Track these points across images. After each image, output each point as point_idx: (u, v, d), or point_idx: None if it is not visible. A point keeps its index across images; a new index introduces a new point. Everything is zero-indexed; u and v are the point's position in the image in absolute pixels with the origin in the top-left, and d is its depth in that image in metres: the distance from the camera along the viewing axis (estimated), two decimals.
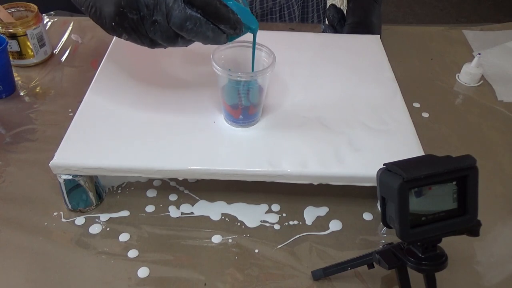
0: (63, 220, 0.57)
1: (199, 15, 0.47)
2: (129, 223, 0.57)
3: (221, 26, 0.49)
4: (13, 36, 0.76)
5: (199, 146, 0.57)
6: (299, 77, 0.69)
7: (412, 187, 0.40)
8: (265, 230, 0.57)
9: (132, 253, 0.54)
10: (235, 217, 0.59)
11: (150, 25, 0.48)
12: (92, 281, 0.51)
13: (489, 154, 0.69)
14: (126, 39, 0.51)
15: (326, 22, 0.88)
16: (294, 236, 0.57)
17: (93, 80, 0.66)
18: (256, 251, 0.55)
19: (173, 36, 0.49)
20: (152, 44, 0.51)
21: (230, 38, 0.53)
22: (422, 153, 0.58)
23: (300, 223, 0.58)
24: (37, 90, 0.76)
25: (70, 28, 0.90)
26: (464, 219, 0.42)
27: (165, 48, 0.52)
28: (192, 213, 0.59)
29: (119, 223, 0.57)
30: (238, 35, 0.53)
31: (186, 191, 0.61)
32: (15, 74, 0.78)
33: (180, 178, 0.61)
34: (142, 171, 0.55)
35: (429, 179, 0.40)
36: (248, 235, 0.57)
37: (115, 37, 0.76)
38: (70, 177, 0.55)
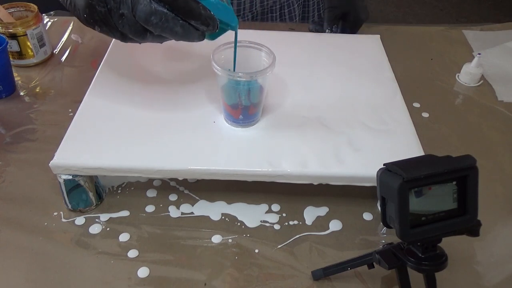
0: (63, 220, 0.57)
1: (165, 10, 0.47)
2: (129, 223, 0.57)
3: (192, 22, 0.48)
4: (13, 36, 0.76)
5: (199, 146, 0.57)
6: (299, 77, 0.69)
7: (412, 187, 0.40)
8: (265, 230, 0.57)
9: (132, 253, 0.54)
10: (235, 217, 0.59)
11: (118, 18, 0.48)
12: (92, 281, 0.51)
13: (489, 154, 0.69)
14: (99, 31, 0.51)
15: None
16: (294, 236, 0.57)
17: (93, 80, 0.66)
18: (256, 251, 0.55)
19: (141, 30, 0.49)
20: (123, 37, 0.51)
21: (210, 36, 0.52)
22: (422, 153, 0.58)
23: (300, 223, 0.58)
24: (37, 90, 0.76)
25: (70, 28, 0.90)
26: (464, 219, 0.42)
27: (139, 43, 0.52)
28: (192, 213, 0.59)
29: (119, 223, 0.57)
30: (217, 34, 0.52)
31: (186, 191, 0.61)
32: (15, 74, 0.78)
33: (180, 178, 0.61)
34: (142, 171, 0.55)
35: (429, 179, 0.40)
36: (248, 235, 0.57)
37: None
38: (70, 177, 0.55)
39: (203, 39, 0.51)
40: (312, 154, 0.57)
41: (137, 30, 0.49)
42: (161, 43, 0.52)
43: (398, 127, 0.62)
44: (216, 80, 0.58)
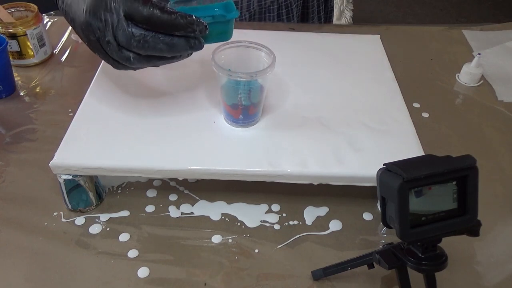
0: (63, 220, 0.57)
1: (143, 32, 0.48)
2: (129, 223, 0.57)
3: (177, 34, 0.49)
4: (13, 36, 0.76)
5: (199, 146, 0.57)
6: (299, 77, 0.69)
7: (412, 187, 0.40)
8: (265, 230, 0.57)
9: (132, 253, 0.54)
10: (235, 217, 0.59)
11: (106, 46, 0.50)
12: (92, 281, 0.51)
13: (489, 154, 0.69)
14: (101, 58, 0.53)
15: None
16: (294, 236, 0.57)
17: (93, 80, 0.66)
18: (256, 251, 0.55)
19: (126, 55, 0.50)
20: (115, 64, 0.52)
21: (208, 39, 0.52)
22: (422, 153, 0.58)
23: (300, 223, 0.58)
24: (37, 90, 0.76)
25: (70, 28, 0.90)
26: (464, 219, 0.42)
27: (133, 69, 0.53)
28: (192, 213, 0.59)
29: (119, 223, 0.57)
30: (216, 34, 0.52)
31: (186, 191, 0.61)
32: (15, 74, 0.78)
33: (180, 178, 0.61)
34: (142, 171, 0.55)
35: (429, 179, 0.40)
36: (248, 235, 0.57)
37: None
38: (70, 177, 0.55)
39: (198, 47, 0.51)
40: (312, 154, 0.57)
41: (124, 56, 0.50)
42: (157, 66, 0.54)
43: (398, 127, 0.62)
44: (216, 80, 0.58)
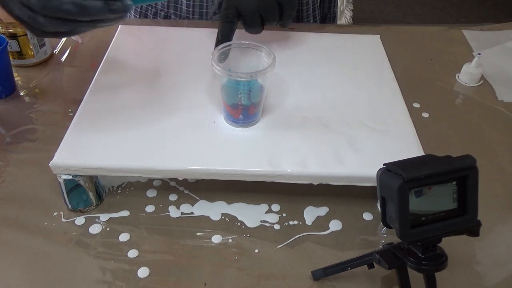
0: (63, 220, 0.57)
1: None
2: (129, 223, 0.57)
3: None
4: (13, 36, 0.76)
5: (199, 146, 0.57)
6: (299, 77, 0.69)
7: (412, 187, 0.40)
8: (265, 230, 0.57)
9: (132, 253, 0.54)
10: (235, 217, 0.59)
11: (18, 7, 0.45)
12: (92, 281, 0.51)
13: (489, 154, 0.69)
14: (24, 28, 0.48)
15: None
16: (294, 236, 0.57)
17: (93, 80, 0.66)
18: (256, 251, 0.55)
19: (38, 18, 0.45)
20: (33, 29, 0.48)
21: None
22: (422, 153, 0.58)
23: (300, 223, 0.58)
24: (37, 90, 0.76)
25: None
26: (464, 219, 0.42)
27: (56, 37, 0.49)
28: (192, 213, 0.59)
29: (119, 223, 0.57)
30: None
31: (186, 191, 0.61)
32: (15, 74, 0.78)
33: (180, 178, 0.61)
34: (142, 171, 0.55)
35: (429, 179, 0.40)
36: (248, 235, 0.57)
37: (115, 37, 0.76)
38: (70, 177, 0.55)
39: (120, 9, 0.46)
40: (312, 154, 0.57)
41: (35, 19, 0.46)
42: (79, 33, 0.49)
43: (398, 127, 0.62)
44: (216, 80, 0.58)
